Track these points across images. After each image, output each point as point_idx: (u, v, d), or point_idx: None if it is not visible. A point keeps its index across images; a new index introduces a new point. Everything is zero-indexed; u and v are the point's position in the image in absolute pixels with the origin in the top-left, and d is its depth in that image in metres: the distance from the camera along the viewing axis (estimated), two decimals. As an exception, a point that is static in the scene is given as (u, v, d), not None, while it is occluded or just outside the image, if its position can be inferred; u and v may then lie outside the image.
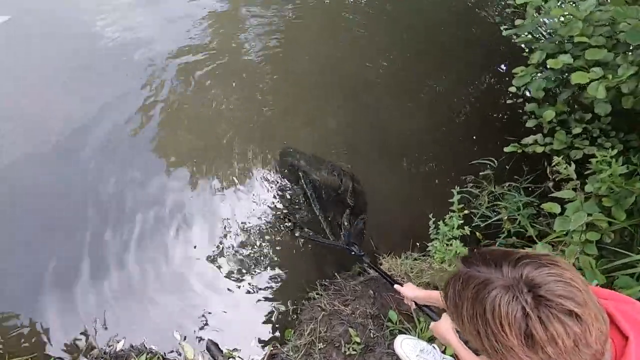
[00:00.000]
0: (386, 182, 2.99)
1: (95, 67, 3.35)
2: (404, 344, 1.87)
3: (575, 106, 2.90)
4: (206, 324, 2.23)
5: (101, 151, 2.87)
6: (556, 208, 2.24)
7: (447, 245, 2.34)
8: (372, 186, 2.93)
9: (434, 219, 2.42)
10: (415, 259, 2.37)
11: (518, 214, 2.57)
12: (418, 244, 2.65)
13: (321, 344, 1.98)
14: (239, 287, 2.38)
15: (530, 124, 2.76)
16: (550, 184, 3.20)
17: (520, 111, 3.46)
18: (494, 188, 2.69)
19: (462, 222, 2.35)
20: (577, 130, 2.60)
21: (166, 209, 2.66)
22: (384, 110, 3.38)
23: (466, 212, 2.54)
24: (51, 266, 2.35)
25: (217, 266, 2.44)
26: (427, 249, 2.46)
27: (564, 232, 2.06)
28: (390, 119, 3.32)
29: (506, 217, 2.53)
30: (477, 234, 2.58)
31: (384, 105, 3.43)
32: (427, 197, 2.91)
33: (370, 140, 3.18)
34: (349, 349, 1.94)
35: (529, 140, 2.75)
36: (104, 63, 3.39)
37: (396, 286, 1.70)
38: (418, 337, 1.96)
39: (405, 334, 1.97)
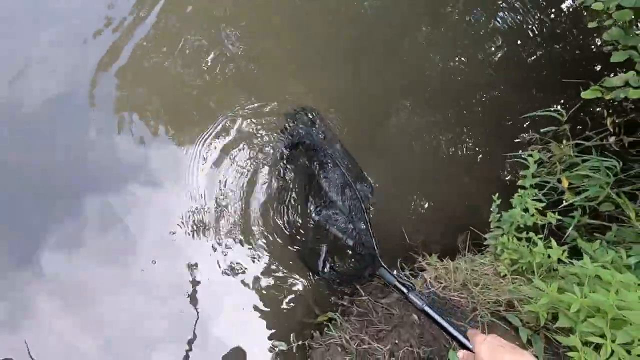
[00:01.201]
0: (410, 146, 2.17)
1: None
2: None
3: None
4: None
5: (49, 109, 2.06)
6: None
7: (517, 239, 1.60)
8: (392, 155, 2.11)
9: (498, 201, 1.65)
10: (474, 261, 1.63)
11: (603, 186, 1.86)
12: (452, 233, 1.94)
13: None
14: (217, 311, 1.59)
15: (617, 57, 1.95)
16: (612, 140, 2.50)
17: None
18: (571, 150, 1.93)
19: (542, 204, 1.60)
20: (685, 65, 1.82)
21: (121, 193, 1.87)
22: (397, 47, 2.46)
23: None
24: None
25: (188, 279, 1.63)
26: (484, 244, 1.73)
27: None
28: (408, 56, 2.42)
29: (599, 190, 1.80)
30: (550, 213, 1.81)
31: (397, 40, 2.50)
32: (469, 169, 2.13)
33: (383, 87, 2.29)
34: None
35: (616, 81, 1.97)
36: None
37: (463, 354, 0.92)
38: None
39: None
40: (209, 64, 2.21)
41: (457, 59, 2.50)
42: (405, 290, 1.22)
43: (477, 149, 2.21)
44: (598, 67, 2.61)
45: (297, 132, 1.92)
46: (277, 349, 1.49)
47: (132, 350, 1.55)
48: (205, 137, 2.01)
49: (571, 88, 2.43)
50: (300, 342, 1.51)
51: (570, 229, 1.84)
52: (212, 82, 2.17)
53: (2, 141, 1.97)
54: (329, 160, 1.71)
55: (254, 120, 2.05)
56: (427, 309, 1.12)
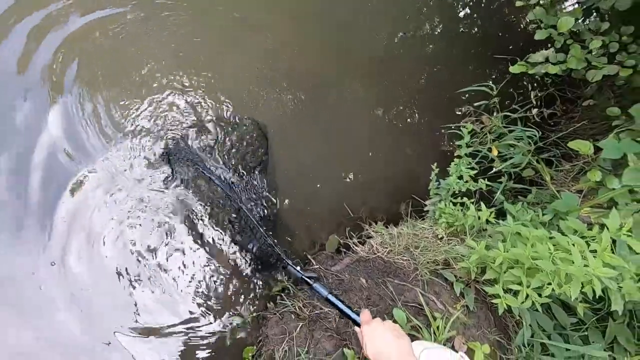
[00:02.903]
0: (354, 120, 2.22)
1: None
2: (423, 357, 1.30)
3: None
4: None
5: None
6: (586, 147, 1.75)
7: (453, 204, 1.75)
8: (337, 129, 2.14)
9: (436, 170, 1.78)
10: (415, 227, 1.75)
11: (525, 154, 2.07)
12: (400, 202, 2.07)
13: (303, 372, 1.33)
14: (169, 292, 1.56)
15: (540, 35, 2.12)
16: (534, 112, 2.76)
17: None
18: (500, 122, 2.10)
19: (474, 171, 1.75)
20: (595, 44, 2.04)
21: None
22: (342, 23, 2.45)
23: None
24: None
25: (129, 254, 1.55)
26: (425, 210, 1.87)
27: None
28: (352, 34, 2.42)
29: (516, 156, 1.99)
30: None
31: (342, 13, 2.49)
32: (410, 141, 2.24)
33: (326, 60, 2.28)
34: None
35: (538, 57, 2.16)
36: None
37: (357, 329, 1.12)
38: (436, 340, 1.42)
39: (419, 338, 1.41)
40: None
41: (399, 34, 2.56)
42: (310, 282, 1.29)
43: (417, 121, 2.33)
44: (526, 45, 2.83)
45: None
46: (232, 324, 1.51)
47: (77, 343, 1.47)
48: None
49: (501, 64, 2.63)
50: (254, 314, 1.54)
51: (498, 193, 2.05)
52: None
53: None
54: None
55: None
56: (330, 297, 1.22)
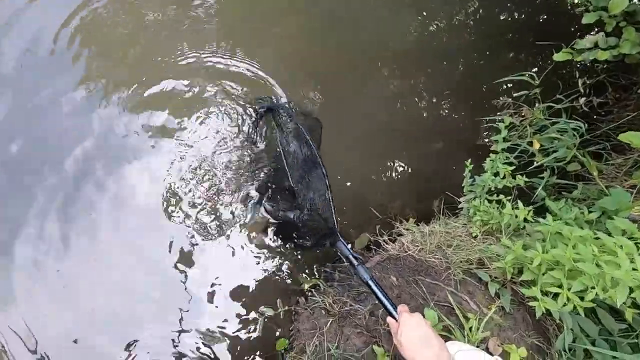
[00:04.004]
0: (386, 114, 2.18)
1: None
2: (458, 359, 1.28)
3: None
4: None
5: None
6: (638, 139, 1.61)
7: (488, 201, 1.69)
8: (368, 123, 2.13)
9: (471, 166, 1.71)
10: (448, 225, 1.71)
11: (570, 147, 1.94)
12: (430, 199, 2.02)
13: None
14: (199, 286, 1.64)
15: (588, 19, 1.97)
16: (582, 101, 2.57)
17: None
18: (542, 113, 1.98)
19: (512, 167, 1.67)
20: (652, 24, 1.86)
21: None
22: (373, 12, 2.41)
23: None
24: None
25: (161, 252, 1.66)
26: (459, 207, 1.81)
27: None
28: (385, 22, 2.38)
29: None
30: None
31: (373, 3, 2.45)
32: (443, 134, 2.18)
33: (356, 54, 2.26)
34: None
35: (586, 43, 2.00)
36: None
37: (389, 320, 1.17)
38: (469, 341, 1.39)
39: (451, 338, 1.39)
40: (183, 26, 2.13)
41: (433, 24, 2.48)
42: (355, 263, 1.32)
43: (451, 114, 2.25)
44: (572, 29, 2.63)
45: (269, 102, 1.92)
46: (265, 315, 1.57)
47: (121, 324, 1.59)
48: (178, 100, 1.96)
49: (545, 51, 2.48)
50: (286, 308, 1.59)
51: (539, 189, 1.94)
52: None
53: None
54: (299, 134, 1.74)
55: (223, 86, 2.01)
56: (370, 282, 1.24)
